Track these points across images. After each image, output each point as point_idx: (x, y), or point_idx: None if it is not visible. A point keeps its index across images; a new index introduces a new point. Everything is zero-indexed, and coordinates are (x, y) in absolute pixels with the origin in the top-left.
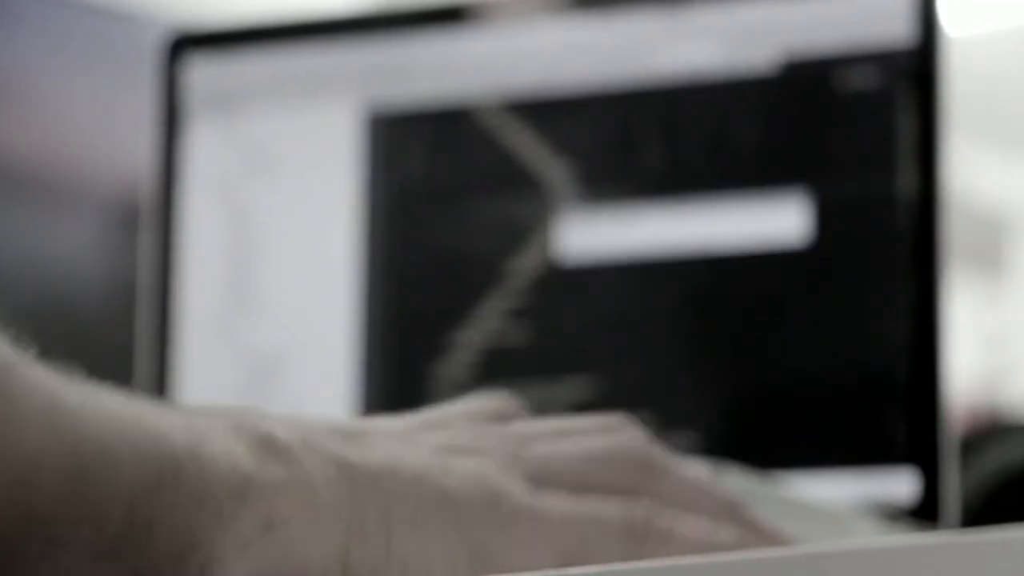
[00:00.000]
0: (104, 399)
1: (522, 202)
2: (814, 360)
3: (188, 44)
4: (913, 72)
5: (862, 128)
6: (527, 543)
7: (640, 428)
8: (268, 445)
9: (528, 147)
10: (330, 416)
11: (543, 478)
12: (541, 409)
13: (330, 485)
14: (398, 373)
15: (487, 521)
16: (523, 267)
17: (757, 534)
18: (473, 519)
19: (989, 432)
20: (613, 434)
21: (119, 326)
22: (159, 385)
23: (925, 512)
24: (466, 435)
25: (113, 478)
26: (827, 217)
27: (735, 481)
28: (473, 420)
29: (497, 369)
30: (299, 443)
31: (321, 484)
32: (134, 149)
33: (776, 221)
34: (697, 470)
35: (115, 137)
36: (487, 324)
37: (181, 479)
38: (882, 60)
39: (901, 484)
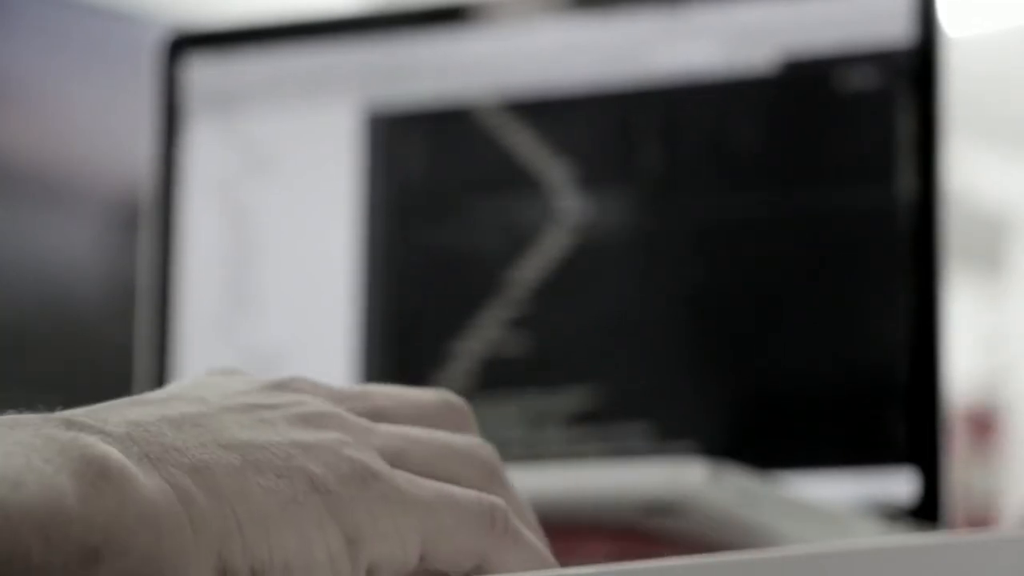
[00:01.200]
0: None
1: (522, 202)
2: (814, 360)
3: (188, 44)
4: (913, 72)
5: (862, 128)
6: (397, 524)
7: (475, 425)
8: (99, 470)
9: (528, 147)
10: (166, 397)
11: (398, 459)
12: (543, 415)
13: (187, 497)
14: (398, 373)
15: (359, 503)
16: (523, 275)
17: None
18: (346, 502)
19: None
20: (463, 432)
21: (119, 326)
22: (159, 385)
23: (925, 512)
24: (315, 403)
25: None
26: (826, 217)
27: (735, 481)
28: (319, 389)
29: (497, 372)
30: (139, 459)
31: (167, 502)
32: (134, 149)
33: (776, 222)
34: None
35: (115, 137)
36: (488, 324)
37: None
38: (882, 60)
39: (901, 484)
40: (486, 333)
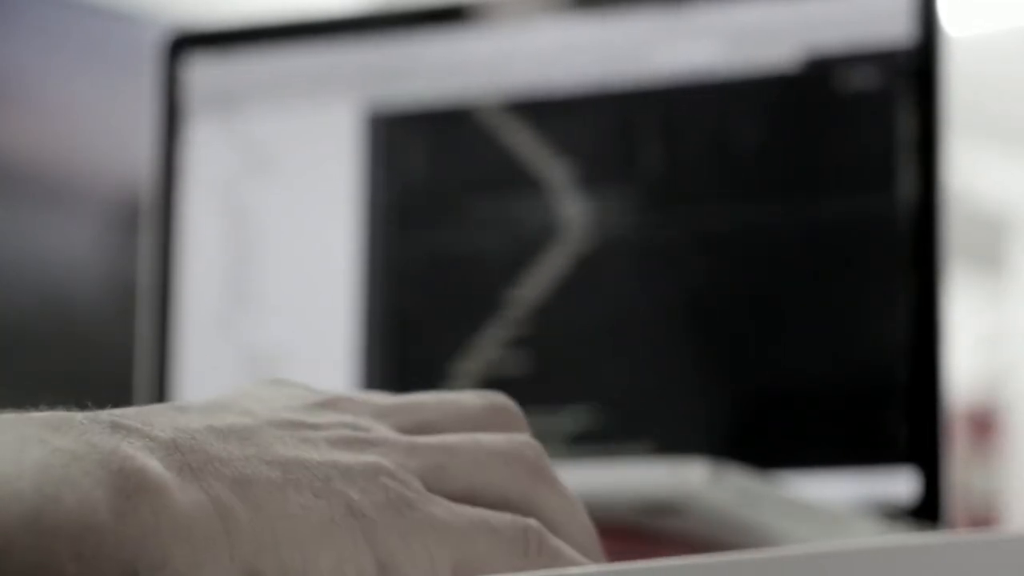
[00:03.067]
0: None
1: (523, 203)
2: (814, 360)
3: (188, 44)
4: (913, 72)
5: (862, 128)
6: (430, 552)
7: (525, 424)
8: (137, 484)
9: (529, 147)
10: (214, 406)
11: (438, 475)
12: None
13: (225, 510)
14: (398, 373)
15: (393, 530)
16: (522, 275)
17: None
18: (380, 528)
19: None
20: (507, 434)
21: (119, 326)
22: (159, 385)
23: (925, 512)
24: (358, 423)
25: None
26: (827, 217)
27: (735, 481)
28: (374, 405)
29: (498, 381)
30: (180, 468)
31: (204, 515)
32: (134, 149)
33: (777, 221)
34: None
35: (115, 137)
36: (488, 329)
37: (14, 552)
38: (882, 60)
39: (901, 484)
40: (486, 334)
